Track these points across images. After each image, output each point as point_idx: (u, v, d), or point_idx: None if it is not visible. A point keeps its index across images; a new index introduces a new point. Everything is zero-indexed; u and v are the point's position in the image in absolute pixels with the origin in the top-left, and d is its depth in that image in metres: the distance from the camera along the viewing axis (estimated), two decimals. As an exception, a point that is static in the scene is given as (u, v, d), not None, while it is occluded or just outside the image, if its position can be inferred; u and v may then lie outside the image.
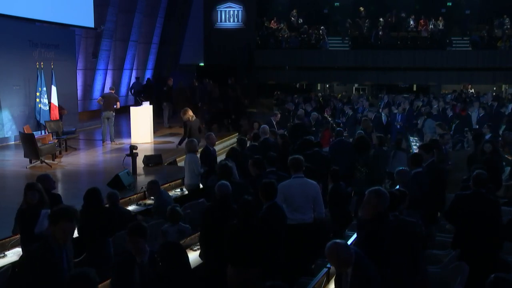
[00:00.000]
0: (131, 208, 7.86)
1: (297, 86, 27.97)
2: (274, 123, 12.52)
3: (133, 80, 22.20)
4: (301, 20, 27.18)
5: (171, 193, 9.05)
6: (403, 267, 4.41)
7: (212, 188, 6.05)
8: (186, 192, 8.91)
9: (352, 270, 3.77)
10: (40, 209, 5.41)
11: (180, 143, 12.05)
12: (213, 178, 7.52)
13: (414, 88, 26.68)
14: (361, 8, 26.81)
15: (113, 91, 14.87)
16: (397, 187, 7.36)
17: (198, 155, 8.75)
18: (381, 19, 26.15)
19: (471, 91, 24.68)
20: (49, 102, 13.87)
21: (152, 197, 8.18)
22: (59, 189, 9.32)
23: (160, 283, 4.01)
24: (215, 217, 5.35)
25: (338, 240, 3.85)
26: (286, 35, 26.17)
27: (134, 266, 4.05)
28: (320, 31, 26.10)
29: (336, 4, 28.38)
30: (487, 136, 10.90)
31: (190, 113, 11.40)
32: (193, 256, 5.80)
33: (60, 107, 14.25)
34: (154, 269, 4.06)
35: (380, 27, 25.72)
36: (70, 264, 3.86)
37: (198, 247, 5.95)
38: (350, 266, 3.76)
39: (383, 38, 25.26)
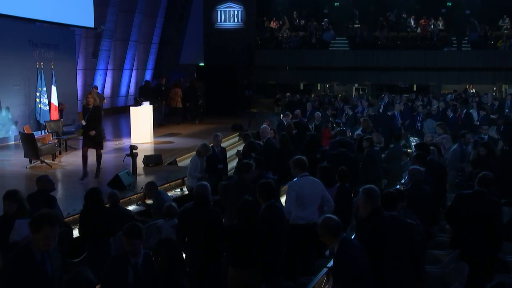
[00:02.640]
0: (131, 208, 7.87)
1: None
2: (286, 124, 12.51)
3: (133, 80, 22.25)
4: (303, 22, 27.17)
5: (171, 193, 9.08)
6: (402, 268, 4.41)
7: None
8: (187, 192, 8.92)
9: (336, 250, 4.02)
10: (16, 219, 5.06)
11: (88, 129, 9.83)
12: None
13: (414, 88, 26.69)
14: (356, 11, 26.86)
15: (96, 90, 15.13)
16: (397, 187, 7.37)
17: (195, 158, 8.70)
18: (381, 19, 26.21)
19: (472, 91, 24.67)
20: (49, 102, 13.87)
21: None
22: (59, 189, 9.33)
23: (155, 281, 4.00)
24: (192, 217, 5.30)
25: (328, 214, 4.19)
26: (286, 35, 26.17)
27: (128, 266, 4.03)
28: (323, 23, 26.09)
29: (336, 4, 28.39)
30: (485, 137, 10.88)
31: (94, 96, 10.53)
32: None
33: (59, 103, 14.27)
34: (151, 268, 4.04)
35: (379, 28, 25.81)
36: (55, 270, 3.74)
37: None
38: (336, 240, 4.00)
39: (371, 39, 25.38)
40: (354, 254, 3.98)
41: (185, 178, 9.40)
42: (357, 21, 26.62)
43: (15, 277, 3.52)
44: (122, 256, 4.12)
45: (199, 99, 19.00)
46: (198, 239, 5.17)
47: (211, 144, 9.11)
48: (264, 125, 10.63)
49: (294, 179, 6.03)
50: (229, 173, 9.83)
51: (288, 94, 22.58)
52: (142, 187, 8.86)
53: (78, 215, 6.50)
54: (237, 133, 16.32)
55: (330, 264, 4.97)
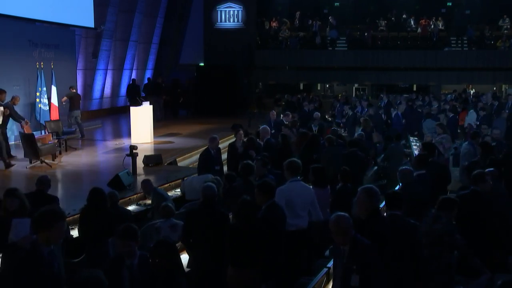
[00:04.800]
0: (131, 208, 7.87)
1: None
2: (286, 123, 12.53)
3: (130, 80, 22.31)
4: (310, 21, 27.12)
5: (171, 193, 9.08)
6: (402, 268, 4.41)
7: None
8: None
9: (349, 248, 3.90)
10: (15, 217, 5.00)
11: None
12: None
13: (414, 88, 26.70)
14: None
15: (74, 90, 15.16)
16: (397, 187, 7.35)
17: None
18: (379, 21, 26.19)
19: (472, 91, 24.67)
20: (49, 102, 13.87)
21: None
22: (59, 189, 9.34)
23: (153, 282, 4.00)
24: (199, 218, 5.30)
25: (340, 212, 4.05)
26: (286, 35, 26.14)
27: (123, 268, 4.01)
28: (330, 19, 26.08)
29: (336, 4, 28.39)
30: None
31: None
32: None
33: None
34: (147, 270, 4.04)
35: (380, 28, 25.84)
36: (60, 267, 3.75)
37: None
38: (348, 240, 3.90)
39: (363, 39, 25.42)
40: (365, 251, 3.93)
41: (185, 178, 9.40)
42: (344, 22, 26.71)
43: (25, 276, 3.52)
44: (117, 258, 4.10)
45: (179, 97, 21.38)
46: (204, 240, 5.18)
47: (207, 146, 9.14)
48: (264, 126, 10.63)
49: (284, 184, 5.89)
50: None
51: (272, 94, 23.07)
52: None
53: (78, 215, 6.50)
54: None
55: (330, 264, 4.99)
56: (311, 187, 6.15)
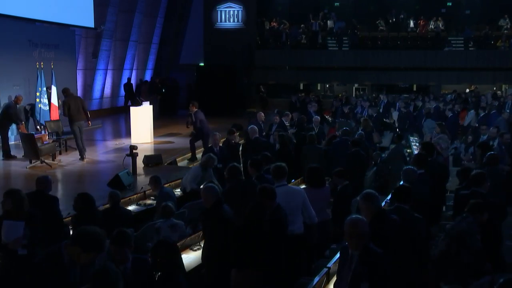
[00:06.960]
0: (131, 208, 7.87)
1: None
2: (287, 124, 12.52)
3: (133, 80, 22.30)
4: (318, 22, 27.11)
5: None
6: (403, 267, 4.41)
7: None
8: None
9: (359, 254, 3.81)
10: (7, 219, 4.91)
11: None
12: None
13: (414, 88, 26.69)
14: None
15: (67, 92, 15.18)
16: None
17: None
18: (382, 22, 26.15)
19: (471, 91, 24.64)
20: (49, 102, 13.86)
21: (152, 198, 8.21)
22: (59, 189, 9.35)
23: (151, 283, 3.99)
24: (206, 221, 5.32)
25: (358, 216, 3.97)
26: (286, 32, 26.07)
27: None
28: (332, 14, 26.06)
29: (336, 4, 28.38)
30: (484, 137, 10.81)
31: None
32: (193, 256, 5.83)
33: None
34: (142, 273, 4.03)
35: (382, 28, 25.78)
36: (76, 278, 3.74)
37: (198, 247, 5.98)
38: (361, 245, 3.79)
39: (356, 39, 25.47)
40: (377, 260, 3.84)
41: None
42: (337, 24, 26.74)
43: (43, 276, 3.55)
44: (110, 264, 3.99)
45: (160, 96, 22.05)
46: (210, 240, 5.20)
47: (210, 145, 9.15)
48: (252, 125, 10.60)
49: None
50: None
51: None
52: (142, 187, 8.88)
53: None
54: (237, 133, 16.32)
55: (330, 264, 4.99)
56: (302, 187, 6.10)
